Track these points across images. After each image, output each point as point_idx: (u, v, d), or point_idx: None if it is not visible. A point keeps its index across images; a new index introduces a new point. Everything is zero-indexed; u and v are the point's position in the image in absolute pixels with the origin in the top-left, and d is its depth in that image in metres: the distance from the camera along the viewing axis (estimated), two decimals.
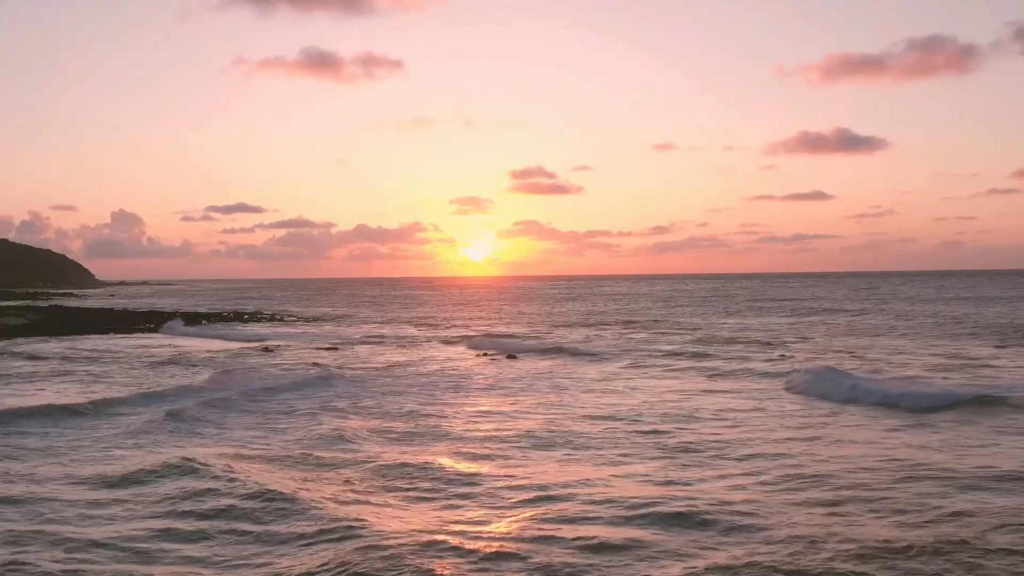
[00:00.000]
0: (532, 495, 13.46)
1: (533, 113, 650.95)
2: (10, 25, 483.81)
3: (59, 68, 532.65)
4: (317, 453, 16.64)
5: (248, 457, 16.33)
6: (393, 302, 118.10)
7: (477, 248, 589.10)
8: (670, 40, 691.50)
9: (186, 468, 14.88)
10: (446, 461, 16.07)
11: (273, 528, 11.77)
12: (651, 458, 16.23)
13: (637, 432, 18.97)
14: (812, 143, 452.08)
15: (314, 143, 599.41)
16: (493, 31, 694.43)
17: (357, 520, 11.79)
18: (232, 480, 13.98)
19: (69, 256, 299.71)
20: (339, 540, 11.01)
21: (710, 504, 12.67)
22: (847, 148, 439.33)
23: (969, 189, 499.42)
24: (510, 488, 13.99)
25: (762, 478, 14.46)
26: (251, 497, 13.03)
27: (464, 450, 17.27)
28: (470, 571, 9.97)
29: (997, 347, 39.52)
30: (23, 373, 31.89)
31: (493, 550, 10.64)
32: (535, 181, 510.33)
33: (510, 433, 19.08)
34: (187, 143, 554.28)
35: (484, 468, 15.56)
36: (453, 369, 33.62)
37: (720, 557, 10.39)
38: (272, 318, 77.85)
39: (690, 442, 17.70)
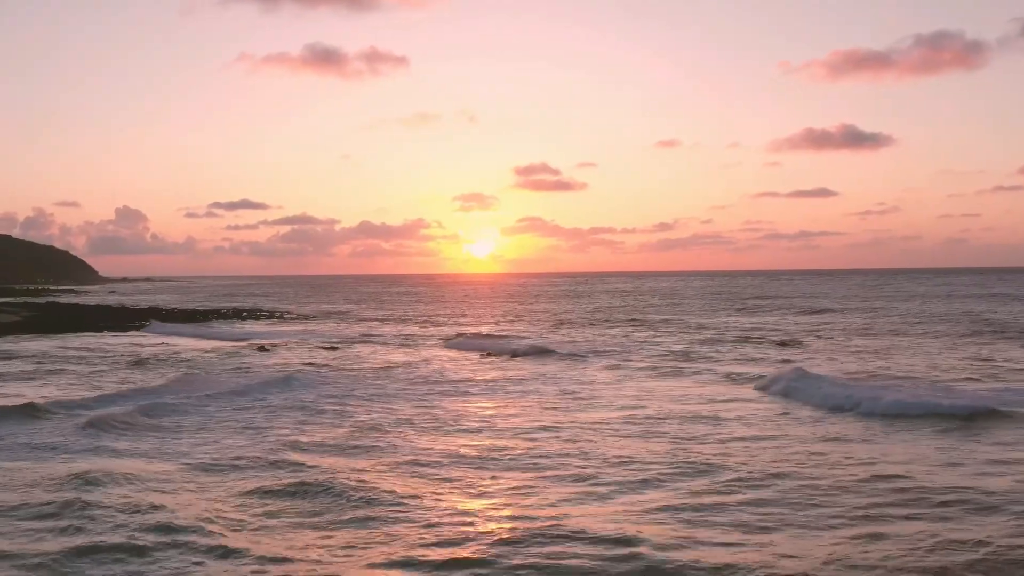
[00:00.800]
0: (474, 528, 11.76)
1: (537, 110, 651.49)
2: (13, 22, 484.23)
3: (62, 65, 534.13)
4: (227, 472, 14.87)
5: (144, 475, 14.51)
6: (395, 299, 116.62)
7: (481, 245, 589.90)
8: (674, 37, 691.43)
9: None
10: (369, 477, 14.23)
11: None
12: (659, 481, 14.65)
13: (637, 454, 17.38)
14: (817, 140, 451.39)
15: (318, 139, 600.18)
16: (497, 28, 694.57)
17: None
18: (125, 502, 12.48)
19: (73, 252, 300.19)
20: None
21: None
22: (852, 145, 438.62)
23: (974, 186, 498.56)
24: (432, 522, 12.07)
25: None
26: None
27: (406, 467, 15.27)
28: None
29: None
30: None
31: None
32: (539, 178, 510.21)
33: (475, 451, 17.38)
34: (191, 139, 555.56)
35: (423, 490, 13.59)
36: (439, 372, 31.53)
37: None
38: (271, 315, 76.56)
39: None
